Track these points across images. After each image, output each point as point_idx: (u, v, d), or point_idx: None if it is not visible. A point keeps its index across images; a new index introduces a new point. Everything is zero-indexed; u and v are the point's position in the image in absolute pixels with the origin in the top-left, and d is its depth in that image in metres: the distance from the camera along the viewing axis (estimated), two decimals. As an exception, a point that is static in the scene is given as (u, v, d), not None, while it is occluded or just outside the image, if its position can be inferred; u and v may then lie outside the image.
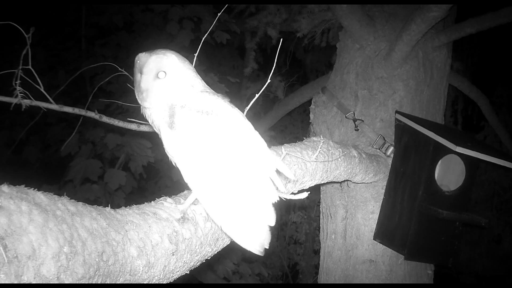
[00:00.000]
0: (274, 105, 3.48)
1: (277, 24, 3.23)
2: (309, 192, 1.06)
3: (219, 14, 1.47)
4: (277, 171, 1.01)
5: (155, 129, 1.05)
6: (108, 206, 0.92)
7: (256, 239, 0.93)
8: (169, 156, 1.02)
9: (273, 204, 0.95)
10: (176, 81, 1.00)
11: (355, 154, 1.80)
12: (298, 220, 4.45)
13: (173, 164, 1.02)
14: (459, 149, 1.72)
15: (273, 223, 0.94)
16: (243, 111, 1.08)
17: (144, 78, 1.01)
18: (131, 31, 3.66)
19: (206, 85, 1.06)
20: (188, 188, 1.00)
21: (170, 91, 1.00)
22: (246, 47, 3.67)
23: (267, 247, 0.94)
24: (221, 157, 0.94)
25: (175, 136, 0.96)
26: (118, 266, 0.82)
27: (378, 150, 2.14)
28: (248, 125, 1.02)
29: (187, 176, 0.97)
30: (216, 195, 0.94)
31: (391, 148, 2.10)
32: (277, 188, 0.99)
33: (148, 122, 1.07)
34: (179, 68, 1.01)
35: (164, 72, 1.00)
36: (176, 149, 0.97)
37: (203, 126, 0.95)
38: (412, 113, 2.18)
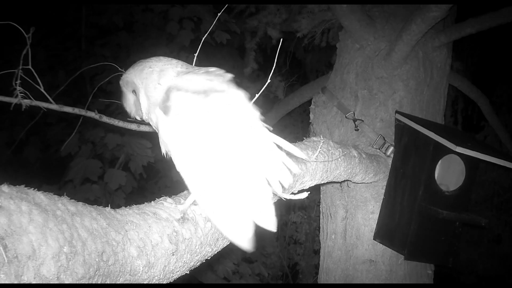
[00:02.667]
0: (274, 105, 3.48)
1: (277, 24, 3.23)
2: (309, 192, 1.06)
3: (219, 14, 1.47)
4: (288, 153, 0.97)
5: (154, 127, 1.04)
6: (108, 206, 0.91)
7: (244, 232, 0.88)
8: (163, 150, 0.99)
9: (270, 200, 0.90)
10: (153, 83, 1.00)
11: (355, 154, 1.80)
12: (298, 220, 4.45)
13: (165, 155, 1.00)
14: (459, 149, 1.72)
15: (267, 225, 0.89)
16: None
17: (126, 97, 1.06)
18: (131, 31, 3.66)
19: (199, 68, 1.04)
20: (188, 188, 1.00)
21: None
22: (246, 47, 3.66)
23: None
24: (218, 143, 0.89)
25: (170, 122, 0.91)
26: (118, 266, 0.82)
27: (378, 150, 2.14)
28: (249, 108, 0.96)
29: (180, 163, 0.91)
30: (210, 186, 0.90)
31: (391, 148, 2.10)
32: (290, 171, 0.93)
33: (147, 122, 1.07)
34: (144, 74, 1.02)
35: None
36: (171, 136, 0.91)
37: (200, 108, 0.90)
38: (412, 113, 2.17)
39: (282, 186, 0.94)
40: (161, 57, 1.03)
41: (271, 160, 0.92)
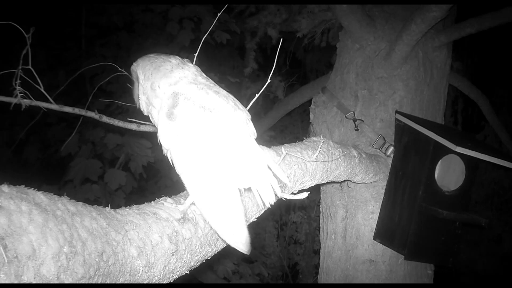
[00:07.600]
0: (274, 105, 3.48)
1: (277, 24, 3.23)
2: (309, 192, 1.06)
3: (219, 14, 1.47)
4: (273, 175, 1.02)
5: (153, 122, 1.05)
6: (108, 206, 0.92)
7: (239, 234, 0.94)
8: (163, 148, 1.02)
9: (242, 220, 0.95)
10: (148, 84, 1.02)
11: (355, 154, 1.80)
12: (298, 220, 4.46)
13: (164, 154, 1.03)
14: (459, 149, 1.72)
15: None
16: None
17: (134, 87, 1.07)
18: (131, 31, 3.67)
19: (209, 80, 1.06)
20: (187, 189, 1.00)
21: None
22: (246, 47, 3.67)
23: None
24: (214, 153, 0.95)
25: (173, 127, 0.96)
26: (118, 266, 0.82)
27: (378, 150, 2.14)
28: (248, 130, 1.02)
29: (179, 167, 0.97)
30: (206, 188, 0.95)
31: (391, 148, 2.10)
32: (274, 192, 1.00)
33: (148, 121, 1.07)
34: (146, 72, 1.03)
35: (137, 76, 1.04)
36: (172, 140, 0.97)
37: (204, 122, 0.96)
38: (412, 113, 2.17)
39: (265, 205, 1.00)
40: (174, 58, 1.05)
41: (259, 177, 0.98)
